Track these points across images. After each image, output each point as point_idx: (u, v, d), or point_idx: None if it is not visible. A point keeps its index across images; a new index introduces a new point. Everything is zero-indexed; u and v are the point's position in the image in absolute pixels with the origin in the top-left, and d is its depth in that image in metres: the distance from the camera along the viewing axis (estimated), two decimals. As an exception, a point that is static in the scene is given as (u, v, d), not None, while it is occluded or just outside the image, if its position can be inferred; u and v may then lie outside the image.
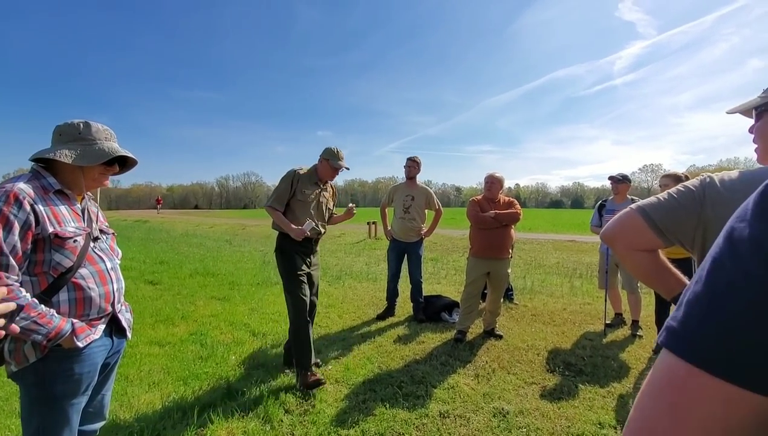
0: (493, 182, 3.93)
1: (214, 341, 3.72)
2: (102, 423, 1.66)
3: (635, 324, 4.14)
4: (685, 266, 3.49)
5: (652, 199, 1.13)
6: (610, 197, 4.46)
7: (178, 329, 4.09)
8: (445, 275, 7.49)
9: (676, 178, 3.49)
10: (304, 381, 2.82)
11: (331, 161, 3.02)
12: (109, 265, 1.51)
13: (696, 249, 1.07)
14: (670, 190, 1.11)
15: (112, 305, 1.50)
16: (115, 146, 1.50)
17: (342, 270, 7.71)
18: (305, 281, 2.98)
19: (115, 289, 1.51)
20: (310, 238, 3.00)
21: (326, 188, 3.17)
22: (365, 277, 7.09)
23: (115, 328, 1.57)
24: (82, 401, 1.45)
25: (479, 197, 4.06)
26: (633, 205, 1.14)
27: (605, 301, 4.34)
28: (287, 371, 3.10)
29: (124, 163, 1.61)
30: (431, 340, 3.87)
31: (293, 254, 2.96)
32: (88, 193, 1.58)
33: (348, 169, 3.11)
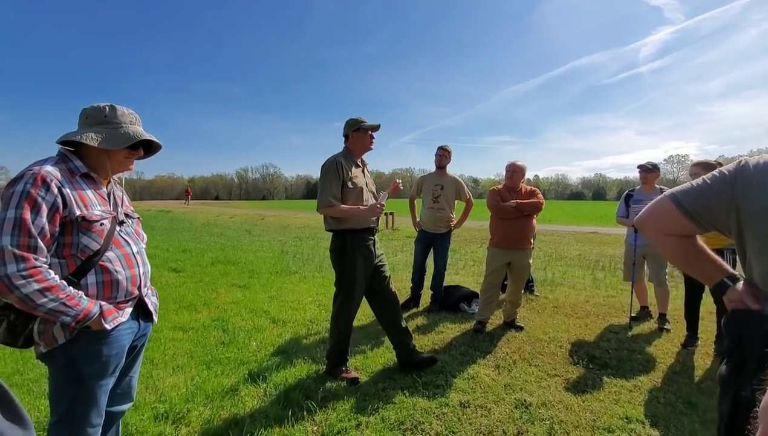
0: (514, 171, 3.83)
1: (235, 327, 3.78)
2: (129, 405, 1.70)
3: (662, 317, 4.01)
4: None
5: (685, 185, 1.09)
6: (638, 187, 4.30)
7: (200, 315, 4.18)
8: (464, 265, 7.43)
9: (707, 166, 3.33)
10: (339, 375, 2.81)
11: (362, 127, 2.76)
12: (134, 248, 1.52)
13: (733, 234, 1.02)
14: (704, 176, 1.06)
15: (139, 288, 1.52)
16: (140, 130, 1.50)
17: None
18: (361, 290, 2.83)
19: (141, 272, 1.53)
20: (371, 227, 2.82)
21: (365, 167, 2.94)
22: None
23: (141, 311, 1.59)
24: (110, 382, 1.47)
25: (500, 187, 3.97)
26: (666, 192, 1.10)
27: (631, 293, 4.21)
28: (307, 358, 3.13)
29: (149, 148, 1.61)
30: (450, 330, 3.84)
31: (355, 253, 2.74)
32: (114, 177, 1.59)
33: (379, 127, 2.83)
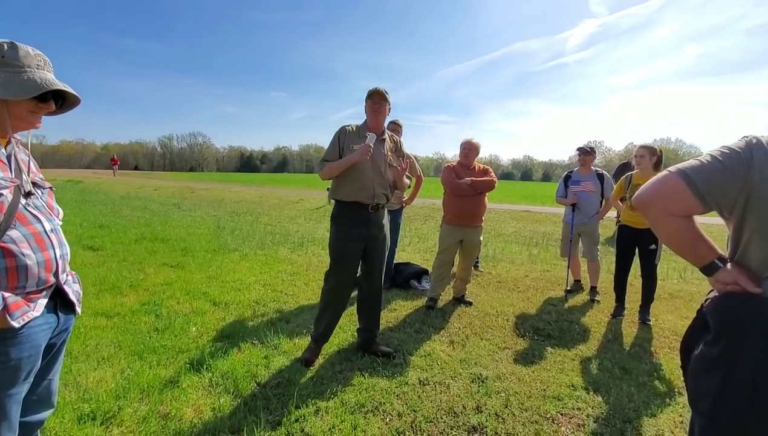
0: (470, 149, 3.83)
1: (170, 312, 3.42)
2: (50, 411, 1.41)
3: (593, 290, 4.35)
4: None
5: (692, 161, 1.05)
6: (576, 169, 4.54)
7: (127, 298, 3.72)
8: (409, 241, 7.50)
9: (653, 151, 3.60)
10: (307, 353, 2.70)
11: (367, 101, 2.62)
12: (47, 226, 1.21)
13: (734, 215, 1.02)
14: (711, 152, 1.03)
15: (55, 274, 1.23)
16: (51, 77, 1.17)
17: (304, 237, 7.47)
18: (350, 260, 2.68)
19: (57, 255, 1.23)
20: (366, 204, 2.62)
21: (383, 141, 2.71)
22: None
23: (60, 302, 1.30)
24: (23, 390, 1.19)
25: (454, 163, 3.95)
26: (672, 168, 1.05)
27: (567, 268, 4.51)
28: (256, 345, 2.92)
29: (59, 101, 1.27)
30: (403, 308, 3.83)
31: (343, 225, 2.65)
32: (16, 136, 1.24)
33: (380, 92, 2.60)
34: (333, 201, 2.77)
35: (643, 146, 3.68)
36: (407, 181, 3.01)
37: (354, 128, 2.71)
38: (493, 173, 3.91)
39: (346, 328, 3.27)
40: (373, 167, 2.62)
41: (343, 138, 2.64)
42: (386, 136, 2.78)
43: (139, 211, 10.27)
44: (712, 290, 1.11)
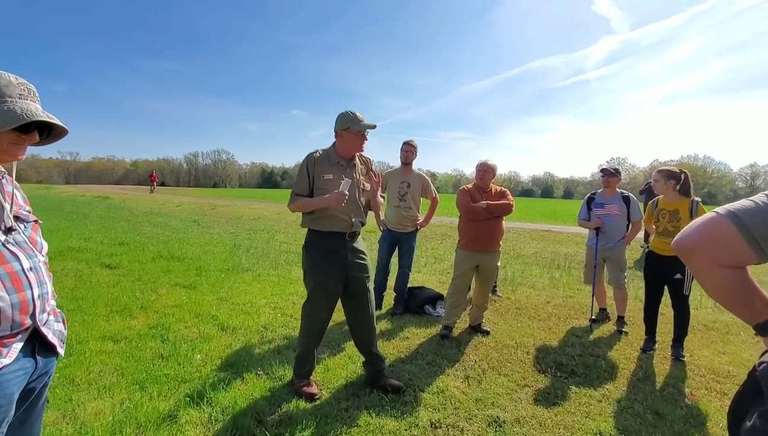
0: (486, 171, 3.69)
1: (177, 336, 3.35)
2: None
3: (621, 320, 4.08)
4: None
5: (744, 202, 0.89)
6: (599, 191, 4.32)
7: (136, 321, 3.68)
8: (425, 262, 7.32)
9: (668, 175, 3.39)
10: (297, 389, 2.58)
11: (352, 128, 2.44)
12: (26, 264, 1.14)
13: None
14: (766, 193, 0.88)
15: (32, 316, 1.15)
16: (33, 108, 1.11)
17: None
18: (328, 292, 2.54)
19: (35, 295, 1.15)
20: (342, 232, 2.51)
21: (354, 166, 2.58)
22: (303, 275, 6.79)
23: (39, 344, 1.21)
24: (-9, 444, 1.10)
25: (470, 186, 3.81)
26: (720, 210, 0.89)
27: (592, 296, 4.25)
28: (260, 372, 2.80)
29: (46, 131, 1.22)
30: (416, 336, 3.66)
31: (318, 255, 2.52)
32: (0, 168, 1.19)
33: (375, 127, 2.51)
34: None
35: (658, 171, 3.49)
36: (381, 199, 2.86)
37: (322, 154, 2.52)
38: (510, 196, 3.74)
39: (355, 358, 3.12)
40: (349, 199, 2.45)
41: (312, 167, 2.47)
42: (356, 160, 2.61)
43: (160, 228, 10.45)
44: (767, 352, 0.93)
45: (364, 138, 2.52)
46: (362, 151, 2.59)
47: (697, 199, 3.42)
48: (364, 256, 2.67)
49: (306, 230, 2.62)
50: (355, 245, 2.62)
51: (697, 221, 0.91)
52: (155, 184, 32.57)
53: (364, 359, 2.78)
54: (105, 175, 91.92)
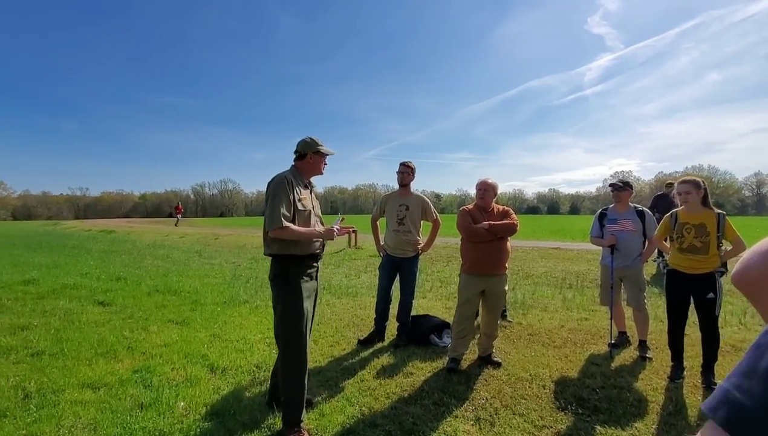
0: (486, 190, 3.48)
1: (162, 381, 3.10)
2: None
3: (643, 345, 3.76)
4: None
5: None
6: (611, 206, 4.08)
7: (120, 364, 3.44)
8: (430, 287, 7.02)
9: (697, 185, 3.15)
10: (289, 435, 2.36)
11: (321, 149, 2.62)
12: None
13: None
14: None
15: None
16: None
17: (319, 284, 7.12)
18: (309, 317, 2.53)
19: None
20: (317, 254, 2.57)
21: (313, 189, 2.71)
22: (345, 291, 6.54)
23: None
24: None
25: (470, 206, 3.60)
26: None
27: (610, 319, 3.94)
28: (267, 416, 2.53)
29: None
30: (421, 371, 3.37)
31: (298, 281, 2.45)
32: None
33: (333, 154, 2.73)
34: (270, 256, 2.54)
35: (686, 181, 3.22)
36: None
37: (290, 176, 2.52)
38: (514, 216, 3.52)
39: (354, 400, 2.85)
40: (315, 217, 2.60)
41: (292, 190, 2.47)
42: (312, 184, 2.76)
43: (160, 261, 10.29)
44: None
45: (324, 164, 2.70)
46: (322, 174, 2.73)
47: (721, 212, 3.17)
48: (319, 275, 2.72)
49: (269, 258, 2.55)
50: (320, 265, 2.68)
51: (761, 247, 0.68)
52: (180, 215, 29.94)
53: (272, 381, 2.78)
54: (114, 209, 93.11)
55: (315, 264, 2.58)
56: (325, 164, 2.70)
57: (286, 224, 2.35)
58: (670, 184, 8.48)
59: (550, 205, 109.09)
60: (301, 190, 2.52)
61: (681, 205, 3.27)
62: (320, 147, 2.60)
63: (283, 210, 2.37)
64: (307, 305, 2.49)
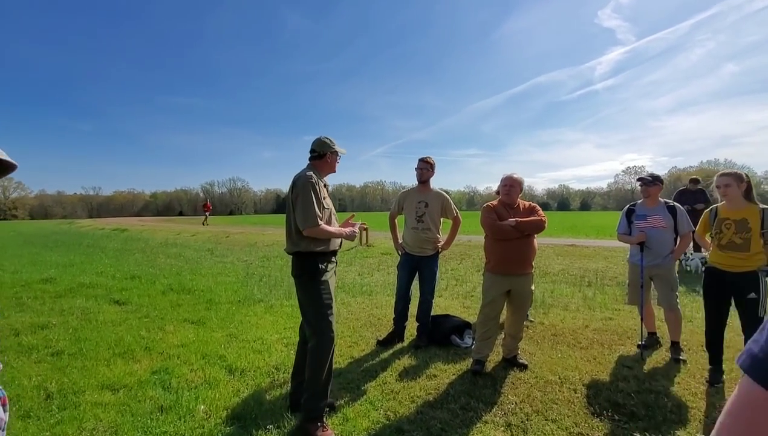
0: (512, 185, 3.35)
1: (180, 383, 3.04)
2: None
3: (675, 347, 3.60)
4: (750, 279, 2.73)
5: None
6: (639, 202, 3.91)
7: (138, 365, 3.39)
8: (446, 285, 6.91)
9: (739, 178, 2.98)
10: (314, 432, 2.35)
11: (337, 149, 2.67)
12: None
13: None
14: None
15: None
16: None
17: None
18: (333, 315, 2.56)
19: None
20: (336, 250, 2.64)
21: (328, 189, 2.76)
22: (359, 290, 6.46)
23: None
24: None
25: (494, 203, 3.47)
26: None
27: (641, 320, 3.79)
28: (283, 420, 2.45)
29: None
30: (444, 373, 3.26)
31: (326, 277, 2.51)
32: None
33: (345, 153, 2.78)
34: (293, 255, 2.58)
35: (726, 174, 3.05)
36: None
37: (314, 176, 2.53)
38: (541, 212, 3.39)
39: (377, 403, 2.75)
40: (334, 216, 2.67)
41: (320, 190, 2.51)
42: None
43: (173, 259, 10.32)
44: None
45: (336, 163, 2.74)
46: (334, 172, 2.77)
47: (767, 207, 2.99)
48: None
49: (291, 256, 2.58)
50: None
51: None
52: (208, 214, 27.88)
53: (293, 383, 2.75)
54: (126, 208, 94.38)
55: (336, 260, 2.65)
56: (338, 163, 2.76)
57: (321, 223, 2.42)
58: (695, 180, 8.22)
59: (560, 202, 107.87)
60: (323, 190, 2.55)
61: (721, 200, 3.11)
62: (336, 147, 2.67)
63: (316, 209, 2.41)
64: (333, 300, 2.54)
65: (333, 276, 2.61)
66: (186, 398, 2.78)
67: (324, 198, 2.52)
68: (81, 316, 4.85)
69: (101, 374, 3.18)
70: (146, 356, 3.60)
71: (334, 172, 2.76)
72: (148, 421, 2.51)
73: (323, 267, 2.50)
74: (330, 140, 2.66)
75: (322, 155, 2.63)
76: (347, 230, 2.63)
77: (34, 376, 3.12)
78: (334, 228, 2.54)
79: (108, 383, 3.02)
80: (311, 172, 2.50)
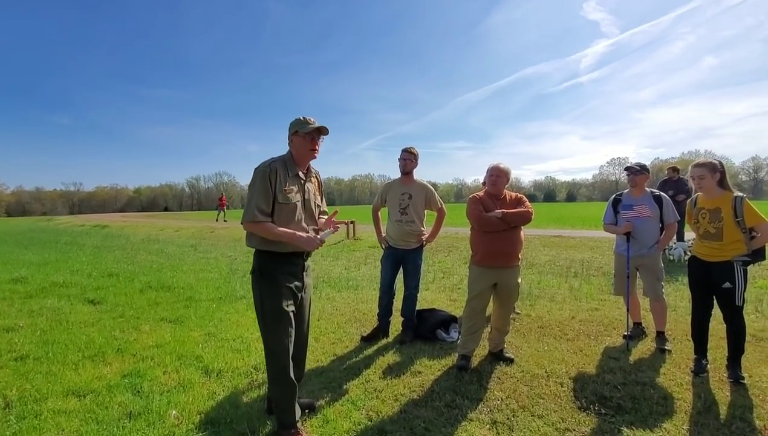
0: (498, 175, 3.25)
1: (152, 386, 2.89)
2: None
3: (661, 336, 3.58)
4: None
5: None
6: (626, 191, 3.86)
7: (108, 368, 3.22)
8: (433, 278, 6.84)
9: (713, 168, 2.95)
10: None
11: (300, 131, 2.24)
12: None
13: None
14: None
15: None
16: None
17: (318, 277, 6.91)
18: (291, 316, 2.25)
19: None
20: (302, 252, 2.28)
21: (310, 178, 2.40)
22: (345, 284, 6.34)
23: None
24: None
25: (481, 194, 3.37)
26: None
27: (627, 310, 3.76)
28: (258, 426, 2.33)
29: None
30: (429, 369, 3.17)
31: (277, 279, 2.22)
32: None
33: (326, 129, 2.28)
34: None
35: (700, 164, 3.00)
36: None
37: (281, 166, 2.23)
38: (528, 203, 3.30)
39: (360, 403, 2.65)
40: (306, 212, 2.31)
41: (275, 181, 2.18)
42: (312, 171, 2.42)
43: (155, 255, 10.05)
44: None
45: (314, 142, 2.28)
46: (314, 156, 2.32)
47: (740, 194, 2.95)
48: (309, 275, 2.44)
49: (252, 250, 2.29)
50: (308, 264, 2.41)
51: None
52: (225, 209, 23.77)
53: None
54: (109, 204, 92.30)
55: (300, 262, 2.30)
56: (316, 144, 2.28)
57: (261, 218, 2.13)
58: (674, 168, 8.27)
59: (546, 194, 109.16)
60: (288, 179, 2.22)
61: (697, 190, 3.08)
62: (299, 126, 2.24)
63: (259, 203, 2.14)
64: (287, 305, 2.22)
65: (295, 281, 2.27)
66: (157, 403, 2.63)
67: (285, 191, 2.18)
68: (51, 317, 4.63)
69: (67, 379, 3.01)
70: (118, 358, 3.43)
71: (311, 157, 2.31)
72: (114, 429, 2.35)
73: (276, 268, 2.21)
74: (295, 121, 2.28)
75: (289, 140, 2.31)
76: (303, 236, 2.17)
77: (-6, 383, 2.93)
78: (282, 230, 2.14)
79: (74, 389, 2.85)
80: (276, 160, 2.24)
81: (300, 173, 2.31)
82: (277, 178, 2.18)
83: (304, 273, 2.35)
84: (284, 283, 2.22)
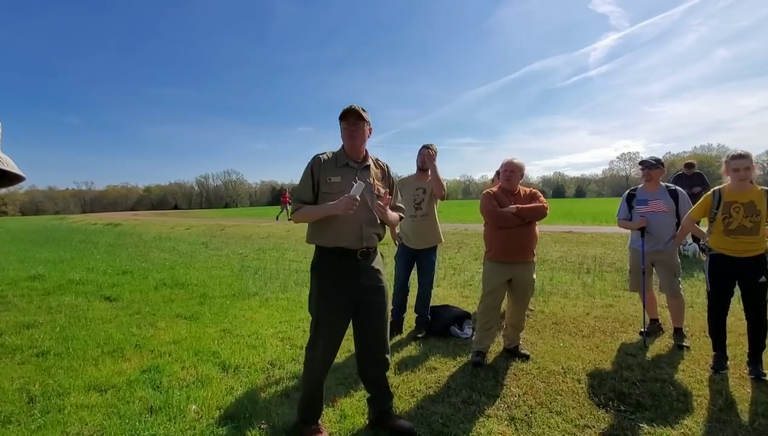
0: (512, 171, 3.23)
1: (171, 381, 2.93)
2: None
3: (678, 333, 3.53)
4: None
5: None
6: (640, 185, 3.81)
7: (128, 364, 3.28)
8: (443, 275, 6.82)
9: (750, 159, 2.88)
10: (307, 434, 2.23)
11: (341, 123, 2.17)
12: None
13: None
14: None
15: None
16: None
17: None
18: (338, 320, 2.20)
19: None
20: (354, 250, 2.14)
21: (368, 169, 2.24)
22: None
23: None
24: None
25: (494, 189, 3.35)
26: None
27: (643, 306, 3.72)
28: (263, 424, 2.35)
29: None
30: (444, 365, 3.17)
31: (324, 276, 2.18)
32: None
33: (348, 112, 2.14)
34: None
35: (743, 156, 2.89)
36: (395, 215, 2.38)
37: (330, 156, 2.22)
38: (542, 198, 3.27)
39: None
40: (360, 205, 2.08)
41: (318, 170, 2.16)
42: (370, 161, 2.29)
43: (167, 253, 10.17)
44: None
45: (349, 127, 2.16)
46: (354, 143, 2.19)
47: (766, 187, 2.90)
48: (381, 277, 2.28)
49: (313, 247, 2.27)
50: (369, 265, 2.22)
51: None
52: (288, 206, 19.56)
53: (368, 395, 2.40)
54: (120, 203, 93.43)
55: (352, 261, 2.15)
56: (357, 133, 2.16)
57: (297, 206, 2.18)
58: (691, 164, 8.12)
59: (555, 189, 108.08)
60: (335, 169, 2.17)
61: (738, 182, 2.92)
62: (340, 121, 2.18)
63: (302, 191, 2.17)
64: (329, 305, 2.16)
65: (343, 277, 2.14)
66: (177, 398, 2.67)
67: (329, 180, 2.12)
68: (69, 314, 4.72)
69: (88, 375, 3.06)
70: (136, 354, 3.49)
71: (353, 143, 2.18)
72: (137, 423, 2.40)
73: (324, 264, 2.17)
74: (345, 109, 2.19)
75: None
76: (332, 205, 2.03)
77: (17, 378, 2.99)
78: (313, 207, 2.11)
79: (95, 384, 2.90)
80: (326, 151, 2.24)
81: (351, 163, 2.20)
82: (321, 167, 2.16)
83: (362, 275, 2.18)
84: (335, 280, 2.17)
